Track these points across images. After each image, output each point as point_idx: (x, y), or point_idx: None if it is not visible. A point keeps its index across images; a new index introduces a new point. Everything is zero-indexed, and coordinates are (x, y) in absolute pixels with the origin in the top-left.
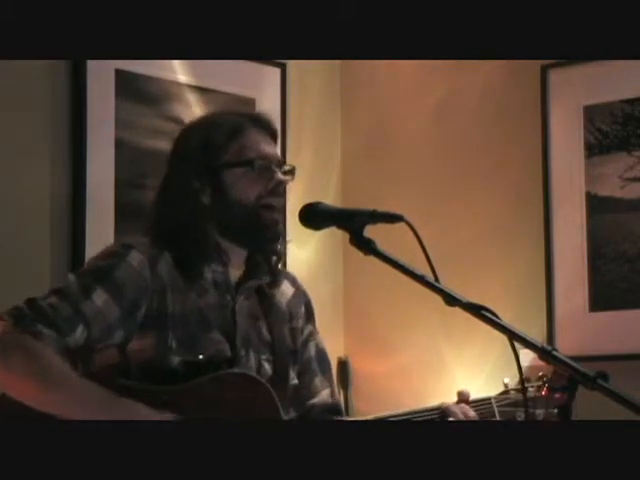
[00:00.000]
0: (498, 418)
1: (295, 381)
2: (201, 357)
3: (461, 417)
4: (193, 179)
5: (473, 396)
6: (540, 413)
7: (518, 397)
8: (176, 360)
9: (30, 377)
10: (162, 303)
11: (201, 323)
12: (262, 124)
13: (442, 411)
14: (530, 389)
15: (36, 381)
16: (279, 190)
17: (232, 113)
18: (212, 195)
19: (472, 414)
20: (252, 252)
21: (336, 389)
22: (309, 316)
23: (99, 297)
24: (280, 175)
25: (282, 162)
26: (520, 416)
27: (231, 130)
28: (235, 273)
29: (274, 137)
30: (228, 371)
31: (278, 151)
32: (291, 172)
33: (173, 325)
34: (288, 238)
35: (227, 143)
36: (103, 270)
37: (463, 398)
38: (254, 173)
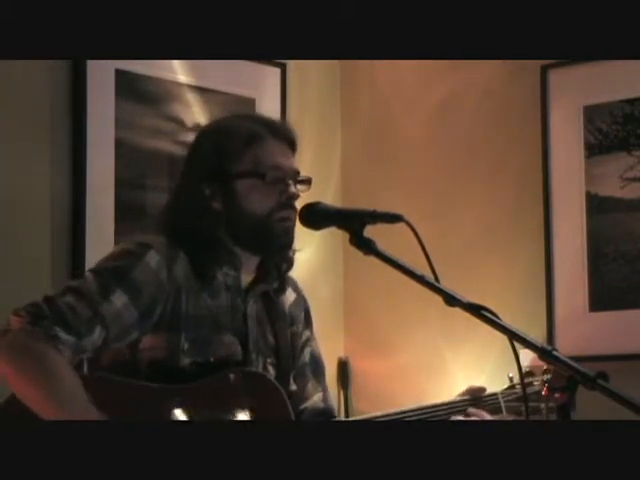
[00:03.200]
0: (505, 413)
1: (294, 387)
2: (212, 359)
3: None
4: (204, 185)
5: None
6: (543, 407)
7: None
8: (187, 361)
9: (39, 390)
10: (177, 305)
11: (213, 325)
12: (281, 134)
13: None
14: (535, 383)
15: (44, 396)
16: (291, 204)
17: (251, 119)
18: (223, 202)
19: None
20: (264, 261)
21: (330, 394)
22: (308, 322)
23: (119, 299)
24: (293, 188)
25: (297, 173)
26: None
27: (247, 138)
28: (245, 278)
29: (292, 147)
30: (239, 369)
31: (294, 163)
32: (307, 182)
33: (186, 326)
34: (296, 246)
35: (242, 151)
36: (121, 270)
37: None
38: (267, 185)
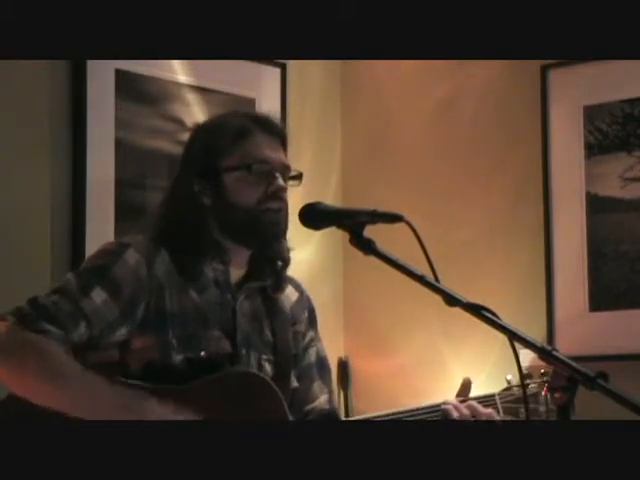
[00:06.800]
0: (502, 414)
1: (295, 384)
2: (203, 354)
3: (466, 414)
4: (194, 181)
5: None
6: (542, 409)
7: (521, 393)
8: (178, 358)
9: (41, 374)
10: (160, 302)
11: (201, 321)
12: (269, 128)
13: (442, 411)
14: (532, 385)
15: (47, 378)
16: (278, 195)
17: (240, 115)
18: (213, 197)
19: (483, 411)
20: (256, 254)
21: (335, 396)
22: (312, 322)
23: (98, 295)
24: (280, 181)
25: (286, 167)
26: (523, 412)
27: (236, 133)
28: (237, 272)
29: (282, 141)
30: (234, 370)
31: (284, 156)
32: (298, 178)
33: (172, 323)
34: (290, 244)
35: (231, 147)
36: (101, 268)
37: (465, 391)
38: (252, 177)
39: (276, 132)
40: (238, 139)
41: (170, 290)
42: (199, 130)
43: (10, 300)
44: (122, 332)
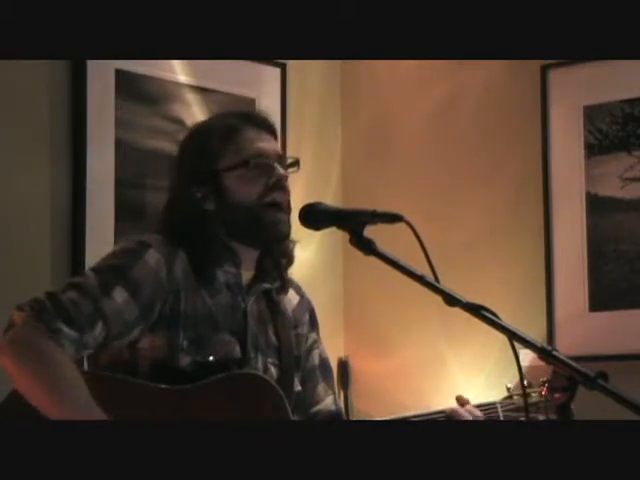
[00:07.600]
0: None
1: (299, 387)
2: (211, 358)
3: (469, 418)
4: (194, 189)
5: (474, 398)
6: (542, 418)
7: (522, 402)
8: (186, 360)
9: (41, 388)
10: (175, 303)
11: (212, 324)
12: (257, 122)
13: (448, 415)
14: (533, 394)
15: (46, 394)
16: (281, 185)
17: (226, 115)
18: (215, 200)
19: (478, 414)
20: (262, 255)
21: (337, 397)
22: (313, 324)
23: (119, 295)
24: (280, 170)
25: (282, 156)
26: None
27: (224, 133)
28: (245, 275)
29: (272, 133)
30: (239, 371)
31: (277, 146)
32: (294, 164)
33: (185, 325)
34: (294, 238)
35: (222, 147)
36: (121, 268)
37: (463, 402)
38: (252, 173)
39: (264, 124)
40: (229, 138)
41: (186, 293)
42: (189, 137)
43: (10, 300)
44: (137, 332)
